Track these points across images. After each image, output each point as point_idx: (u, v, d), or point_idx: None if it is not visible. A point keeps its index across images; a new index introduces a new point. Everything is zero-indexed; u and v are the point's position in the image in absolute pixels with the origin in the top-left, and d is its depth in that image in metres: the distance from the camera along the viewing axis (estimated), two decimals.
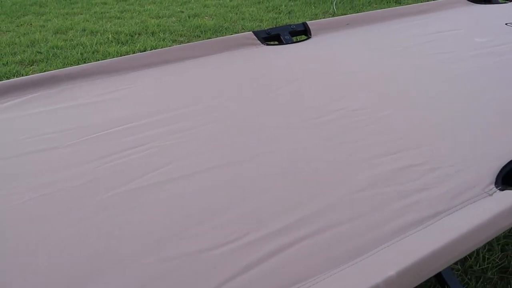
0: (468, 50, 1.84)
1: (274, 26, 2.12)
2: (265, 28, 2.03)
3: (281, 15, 5.05)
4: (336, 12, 5.04)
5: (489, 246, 1.66)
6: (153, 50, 1.82)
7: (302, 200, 1.01)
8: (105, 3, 6.14)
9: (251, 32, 1.96)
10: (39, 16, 5.70)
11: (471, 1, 2.53)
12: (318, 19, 4.82)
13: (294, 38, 2.08)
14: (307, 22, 2.07)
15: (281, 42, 1.98)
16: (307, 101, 1.44)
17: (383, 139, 1.22)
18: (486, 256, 1.63)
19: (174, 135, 1.28)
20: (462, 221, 0.90)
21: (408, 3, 5.37)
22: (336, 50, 1.87)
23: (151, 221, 0.96)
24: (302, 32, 2.05)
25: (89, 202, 1.04)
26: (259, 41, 1.94)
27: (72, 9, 5.95)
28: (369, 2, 5.36)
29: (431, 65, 1.69)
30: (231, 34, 4.66)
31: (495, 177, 1.04)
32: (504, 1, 2.62)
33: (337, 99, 1.45)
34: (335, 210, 0.97)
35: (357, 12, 4.90)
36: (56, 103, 1.54)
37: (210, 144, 1.22)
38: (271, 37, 2.00)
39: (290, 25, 2.04)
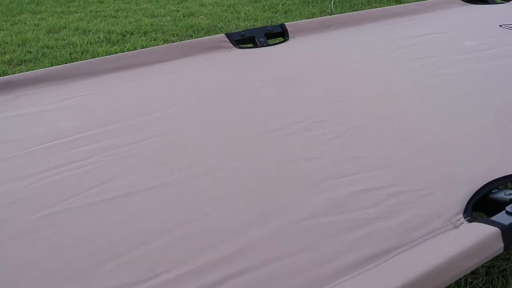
0: (456, 54, 1.69)
1: (252, 28, 1.98)
2: (242, 30, 1.90)
3: (277, 14, 4.92)
4: (334, 11, 4.89)
5: None
6: (117, 54, 1.70)
7: (243, 227, 0.89)
8: (102, 2, 6.05)
9: (223, 34, 1.84)
10: (35, 15, 5.62)
11: (465, 1, 2.38)
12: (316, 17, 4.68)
13: (271, 40, 1.95)
14: (285, 23, 1.94)
15: (256, 45, 1.85)
16: (269, 111, 1.31)
17: (345, 156, 1.09)
18: (469, 280, 1.49)
19: (117, 149, 1.16)
20: (420, 260, 0.77)
21: (408, 2, 5.20)
22: (311, 53, 1.73)
23: (66, 252, 0.84)
24: (279, 34, 1.92)
25: (10, 225, 0.92)
26: (231, 44, 1.81)
27: (68, 7, 5.86)
28: (368, 1, 5.20)
29: (413, 70, 1.55)
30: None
31: (464, 204, 0.91)
32: (501, 1, 2.46)
33: (303, 108, 1.32)
34: (278, 240, 0.85)
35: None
36: (6, 111, 1.43)
37: (152, 161, 1.10)
38: (245, 40, 1.87)
39: (267, 26, 1.91)
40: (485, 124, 1.20)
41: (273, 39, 1.94)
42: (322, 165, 1.05)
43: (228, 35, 1.83)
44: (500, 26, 1.99)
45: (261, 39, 1.85)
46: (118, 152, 1.15)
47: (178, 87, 1.47)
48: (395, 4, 5.14)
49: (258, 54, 1.76)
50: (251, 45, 1.88)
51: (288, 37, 1.89)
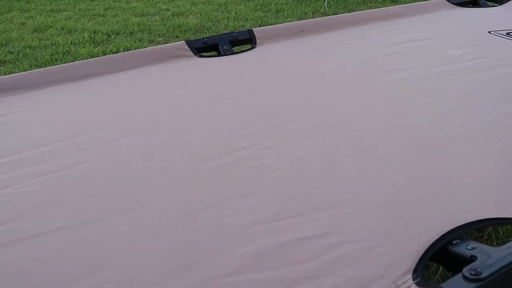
0: (437, 65, 1.53)
1: (216, 34, 1.83)
2: (205, 37, 1.74)
3: (268, 14, 4.75)
4: (327, 11, 4.72)
5: None
6: (67, 64, 1.55)
7: (145, 286, 0.74)
8: (93, 0, 5.90)
9: (184, 41, 1.68)
10: (23, 13, 5.48)
11: (455, 4, 2.20)
12: (308, 18, 4.51)
13: (239, 48, 1.79)
14: (253, 29, 1.78)
15: (220, 53, 1.70)
16: (215, 133, 1.16)
17: (287, 192, 0.93)
18: None
19: (34, 179, 1.01)
20: None
21: (405, 2, 5.01)
22: (277, 63, 1.58)
23: None
24: (245, 41, 1.76)
25: None
26: (192, 52, 1.66)
27: (58, 5, 5.71)
28: (363, 0, 5.01)
29: (386, 85, 1.39)
30: (212, 35, 4.38)
31: (416, 261, 0.75)
32: (494, 4, 2.29)
33: (255, 129, 1.17)
34: None
35: (350, 12, 4.57)
36: None
37: (66, 194, 0.95)
38: (208, 47, 1.71)
39: (232, 32, 1.75)
40: (456, 155, 1.04)
41: (239, 47, 1.78)
42: (256, 205, 0.90)
43: (188, 43, 1.68)
44: (489, 32, 1.82)
45: (225, 47, 1.69)
46: (35, 182, 1.00)
47: (120, 103, 1.32)
48: (391, 4, 4.96)
49: (219, 63, 1.61)
50: (216, 53, 1.72)
51: (255, 45, 1.74)
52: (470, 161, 1.02)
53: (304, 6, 4.98)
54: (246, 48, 1.73)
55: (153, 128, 1.17)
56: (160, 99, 1.34)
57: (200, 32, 4.29)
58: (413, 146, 1.06)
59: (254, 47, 1.73)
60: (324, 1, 4.92)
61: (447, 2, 2.20)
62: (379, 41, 1.74)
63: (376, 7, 4.69)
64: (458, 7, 2.19)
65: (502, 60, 1.56)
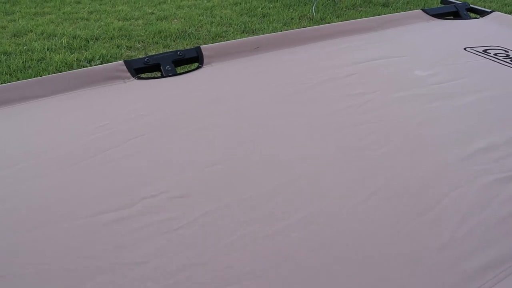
0: (398, 89, 1.34)
1: (159, 52, 1.65)
2: (146, 55, 1.56)
3: (254, 18, 4.56)
4: (314, 16, 4.52)
5: None
6: None
7: None
8: (79, 2, 5.73)
9: (122, 62, 1.50)
10: (7, 16, 5.32)
11: (433, 16, 2.01)
12: (294, 23, 4.32)
13: (185, 67, 1.61)
14: (201, 46, 1.59)
15: (162, 74, 1.52)
16: (122, 177, 0.98)
17: (179, 261, 0.75)
18: None
19: None
20: None
21: (397, 6, 4.81)
22: (218, 88, 1.39)
23: None
24: (192, 60, 1.58)
25: None
26: (130, 74, 1.48)
27: (43, 8, 5.55)
28: (353, 5, 4.82)
29: (334, 115, 1.21)
30: (195, 40, 4.19)
31: None
32: (476, 16, 2.09)
33: (172, 173, 0.99)
34: None
35: (338, 17, 4.38)
36: None
37: None
38: (149, 67, 1.53)
39: (177, 51, 1.57)
40: (391, 215, 0.85)
41: (189, 66, 1.60)
42: (142, 277, 0.72)
43: (127, 63, 1.50)
44: (465, 49, 1.63)
45: (167, 67, 1.51)
46: None
47: (24, 138, 1.14)
48: (381, 8, 4.76)
49: (157, 87, 1.42)
50: (158, 73, 1.54)
51: (202, 64, 1.55)
52: (402, 229, 0.82)
53: (292, 10, 4.79)
54: (192, 68, 1.55)
55: (51, 170, 0.99)
56: (74, 132, 1.16)
57: (181, 38, 4.12)
58: (346, 205, 0.87)
59: (201, 66, 1.55)
60: (312, 6, 4.72)
61: (425, 14, 2.01)
62: (340, 59, 1.55)
63: (365, 12, 4.50)
64: (436, 19, 2.00)
65: (473, 84, 1.37)
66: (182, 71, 1.54)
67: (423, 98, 1.28)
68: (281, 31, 4.18)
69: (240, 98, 1.32)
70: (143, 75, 1.52)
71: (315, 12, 4.55)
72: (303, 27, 4.31)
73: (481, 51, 1.62)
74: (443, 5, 2.19)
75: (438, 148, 1.04)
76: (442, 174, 0.95)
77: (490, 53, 1.60)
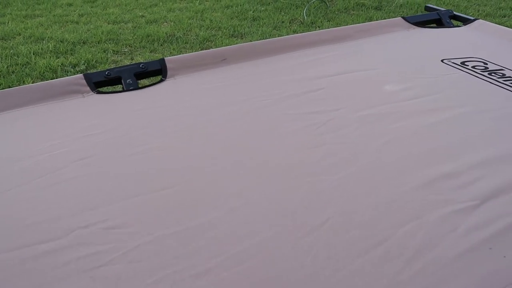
0: (364, 106, 1.27)
1: (121, 65, 1.58)
2: (108, 68, 1.49)
3: (244, 22, 4.50)
4: (305, 19, 4.45)
5: None
6: None
7: None
8: (71, 5, 5.67)
9: (81, 75, 1.44)
10: None
11: (414, 24, 1.94)
12: (284, 27, 4.25)
13: (148, 80, 1.54)
14: (165, 58, 1.53)
15: (123, 88, 1.45)
16: (49, 208, 0.91)
17: None
18: None
19: None
20: None
21: (390, 10, 4.74)
22: (177, 104, 1.33)
23: None
24: (155, 73, 1.51)
25: None
26: (89, 87, 1.41)
27: (34, 10, 5.49)
28: (345, 8, 4.74)
29: (289, 136, 1.13)
30: (182, 44, 4.13)
31: None
32: (459, 24, 2.02)
33: (108, 200, 0.92)
34: None
35: (329, 20, 4.31)
36: None
37: None
38: (110, 81, 1.47)
39: (140, 63, 1.50)
40: (333, 252, 0.78)
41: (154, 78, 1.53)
42: None
43: (87, 76, 1.43)
44: (442, 61, 1.56)
45: (128, 81, 1.44)
46: None
47: None
48: (374, 11, 4.68)
49: (115, 102, 1.36)
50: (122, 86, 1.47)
51: (165, 77, 1.48)
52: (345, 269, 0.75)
53: (283, 14, 4.72)
54: (155, 82, 1.48)
55: None
56: (19, 153, 1.09)
57: (168, 42, 4.05)
58: (259, 250, 0.80)
59: (164, 80, 1.48)
60: (304, 9, 4.65)
61: (405, 22, 1.94)
62: (309, 72, 1.48)
63: (358, 15, 4.42)
64: (417, 27, 1.92)
65: (446, 100, 1.30)
66: (150, 83, 1.48)
67: (390, 117, 1.21)
68: (270, 34, 4.11)
69: (198, 115, 1.25)
70: (103, 89, 1.45)
71: (306, 15, 4.48)
72: (293, 31, 4.24)
73: (459, 63, 1.55)
74: (425, 13, 2.11)
75: (398, 173, 0.97)
76: (398, 203, 0.88)
77: (468, 65, 1.53)
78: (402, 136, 1.11)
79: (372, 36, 1.79)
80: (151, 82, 1.48)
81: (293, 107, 1.26)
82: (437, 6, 4.24)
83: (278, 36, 4.08)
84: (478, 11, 4.46)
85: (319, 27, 4.24)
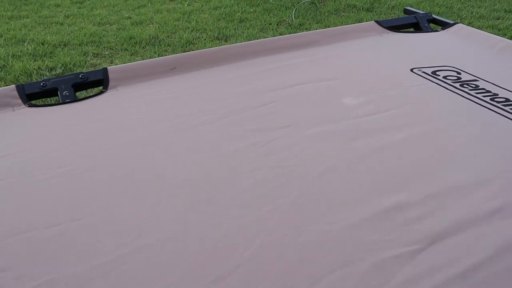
0: (317, 122, 1.13)
1: (59, 75, 1.44)
2: (44, 79, 1.37)
3: (230, 24, 4.36)
4: (293, 21, 4.32)
5: None
6: None
7: None
8: (58, 5, 5.56)
9: (14, 86, 1.31)
10: None
11: (389, 29, 1.80)
12: (271, 29, 4.12)
13: (91, 91, 1.42)
14: (108, 68, 1.40)
15: (59, 100, 1.32)
16: None
17: None
18: None
19: None
20: None
21: (381, 11, 4.59)
22: (112, 118, 1.20)
23: None
24: (96, 83, 1.38)
25: None
26: (21, 100, 1.29)
27: (21, 11, 5.38)
28: (336, 9, 4.60)
29: (228, 156, 1.00)
30: (164, 47, 4.00)
31: None
32: (437, 28, 1.88)
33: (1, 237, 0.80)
34: None
35: (318, 22, 4.17)
36: None
37: None
38: (46, 92, 1.34)
39: (80, 73, 1.37)
40: None
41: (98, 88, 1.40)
42: None
43: (19, 88, 1.30)
44: (412, 70, 1.43)
45: (65, 93, 1.32)
46: None
47: None
48: (365, 13, 4.54)
49: (47, 117, 1.23)
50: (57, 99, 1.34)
51: (106, 88, 1.36)
52: None
53: (271, 15, 4.59)
54: (95, 93, 1.35)
55: None
56: None
57: (150, 45, 3.92)
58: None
59: (105, 91, 1.35)
60: (292, 11, 4.51)
61: (379, 26, 1.80)
62: (263, 82, 1.34)
63: (347, 17, 4.29)
64: (391, 32, 1.78)
65: (407, 116, 1.17)
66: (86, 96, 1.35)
67: (342, 136, 1.07)
68: (256, 37, 3.98)
69: (130, 132, 1.12)
70: (38, 102, 1.32)
71: (294, 17, 4.34)
72: (280, 33, 4.11)
73: (430, 73, 1.41)
74: (403, 16, 1.98)
75: (334, 207, 0.84)
76: (327, 246, 0.75)
77: (439, 75, 1.40)
78: (348, 160, 0.97)
79: (341, 42, 1.65)
80: (92, 93, 1.35)
81: (238, 123, 1.13)
82: (431, 7, 4.10)
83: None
84: (472, 13, 4.31)
85: (306, 29, 4.10)
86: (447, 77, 1.38)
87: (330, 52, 1.57)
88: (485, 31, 3.86)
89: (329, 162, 0.96)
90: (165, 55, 3.73)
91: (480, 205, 0.83)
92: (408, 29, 1.93)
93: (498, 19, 4.14)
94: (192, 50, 3.83)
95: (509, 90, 1.28)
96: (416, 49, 1.62)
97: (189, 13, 4.78)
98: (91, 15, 5.02)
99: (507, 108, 1.20)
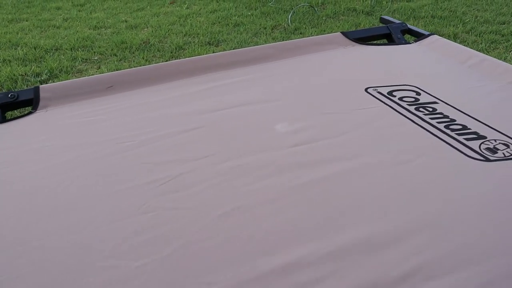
0: (237, 154, 1.00)
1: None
2: None
3: (224, 28, 4.25)
4: (290, 25, 4.18)
5: None
6: None
7: None
8: (59, 8, 5.54)
9: None
10: None
11: (356, 41, 1.66)
12: (266, 33, 3.99)
13: (21, 110, 1.32)
14: (41, 86, 1.30)
15: None
16: None
17: None
18: None
19: None
20: None
21: (381, 15, 4.41)
22: (27, 144, 1.10)
23: None
24: (26, 103, 1.29)
25: None
26: None
27: (22, 14, 5.38)
28: (335, 13, 4.45)
29: (122, 194, 0.89)
30: (154, 52, 3.91)
31: None
32: (413, 39, 1.73)
33: None
34: None
35: (314, 27, 4.03)
36: None
37: None
38: None
39: (9, 92, 1.28)
40: None
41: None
42: None
43: None
44: (366, 89, 1.29)
45: None
46: None
47: None
48: (364, 17, 4.37)
49: None
50: None
51: (36, 109, 1.26)
52: None
53: (268, 19, 4.46)
54: (23, 114, 1.26)
55: None
56: None
57: (140, 50, 3.84)
58: None
59: (33, 112, 1.26)
60: (289, 15, 4.38)
61: (345, 38, 1.66)
62: (194, 104, 1.22)
63: (346, 21, 4.13)
64: (357, 44, 1.64)
65: (342, 147, 1.03)
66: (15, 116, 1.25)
67: (259, 171, 0.95)
68: (248, 42, 3.86)
69: (38, 161, 1.02)
70: None
71: (290, 21, 4.21)
72: (273, 38, 3.97)
73: (386, 93, 1.27)
74: (377, 26, 1.83)
75: (217, 264, 0.72)
76: None
77: (395, 96, 1.26)
78: (254, 203, 0.85)
79: (298, 56, 1.52)
80: (20, 114, 1.26)
81: (152, 153, 1.02)
82: (433, 11, 3.90)
83: (255, 44, 3.83)
84: (476, 17, 4.10)
85: (302, 33, 3.96)
86: (404, 99, 1.24)
87: (281, 68, 1.44)
88: (487, 36, 3.65)
89: (231, 205, 0.84)
90: (154, 61, 3.64)
91: (391, 267, 0.69)
92: (380, 41, 1.79)
93: (504, 23, 3.93)
94: (182, 55, 3.73)
95: (468, 115, 1.14)
96: (379, 65, 1.48)
97: (186, 16, 4.68)
98: (89, 18, 4.97)
99: (460, 138, 1.05)
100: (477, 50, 3.41)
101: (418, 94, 1.27)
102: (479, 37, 3.65)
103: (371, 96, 1.25)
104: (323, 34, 3.97)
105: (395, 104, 1.21)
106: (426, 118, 1.14)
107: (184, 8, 5.10)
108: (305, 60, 1.49)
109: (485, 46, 3.44)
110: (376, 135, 1.07)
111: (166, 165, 0.97)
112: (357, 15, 4.43)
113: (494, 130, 1.07)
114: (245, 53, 1.48)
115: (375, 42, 1.71)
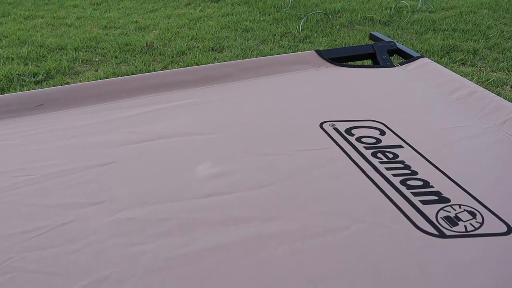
0: (135, 202, 0.81)
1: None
2: None
3: (232, 33, 4.08)
4: (300, 33, 3.96)
5: None
6: None
7: None
8: (76, 6, 5.50)
9: None
10: (1, 18, 5.17)
11: (331, 61, 1.44)
12: (274, 41, 3.79)
13: None
14: None
15: None
16: None
17: None
18: None
19: None
20: None
21: (399, 26, 4.13)
22: None
23: None
24: None
25: None
26: None
27: (38, 11, 5.37)
28: (350, 22, 4.20)
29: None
30: (155, 56, 3.77)
31: None
32: (402, 62, 1.49)
33: None
34: None
35: (325, 36, 3.80)
36: None
37: None
38: None
39: None
40: None
41: None
42: None
43: None
44: (321, 124, 1.08)
45: None
46: None
47: None
48: (381, 27, 4.10)
49: None
50: None
51: None
52: None
53: (280, 26, 4.25)
54: None
55: None
56: None
57: (141, 54, 3.71)
58: None
59: None
60: (301, 22, 4.16)
61: (318, 57, 1.44)
62: (113, 134, 1.04)
63: (360, 31, 3.88)
64: (332, 65, 1.42)
65: (267, 202, 0.83)
66: None
67: (151, 228, 0.76)
68: (254, 50, 3.66)
69: None
70: None
71: (301, 29, 3.99)
72: (280, 46, 3.77)
73: (343, 130, 1.06)
74: (360, 44, 1.61)
75: None
76: None
77: (354, 134, 1.04)
78: (130, 273, 0.66)
79: (257, 78, 1.32)
80: None
81: (43, 193, 0.85)
82: (455, 24, 3.60)
83: (259, 52, 3.63)
84: (502, 31, 3.77)
85: (311, 42, 3.74)
86: (363, 139, 1.03)
87: (231, 92, 1.24)
88: (508, 53, 3.30)
89: (101, 272, 0.66)
90: (155, 65, 3.50)
91: None
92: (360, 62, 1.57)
93: None
94: (182, 61, 3.57)
95: (435, 167, 0.92)
96: (347, 92, 1.26)
97: (197, 19, 4.53)
98: (102, 17, 4.90)
99: (416, 199, 0.84)
100: (496, 69, 3.09)
101: (383, 133, 1.05)
102: (502, 54, 3.33)
103: (324, 134, 1.04)
104: (333, 43, 3.73)
105: (349, 146, 0.99)
106: (381, 168, 0.92)
107: (198, 11, 4.95)
108: (263, 84, 1.29)
109: (507, 65, 3.13)
110: (310, 188, 0.86)
111: (52, 210, 0.80)
112: (374, 25, 4.16)
113: (462, 191, 0.85)
114: (197, 71, 1.29)
115: (355, 63, 1.49)
